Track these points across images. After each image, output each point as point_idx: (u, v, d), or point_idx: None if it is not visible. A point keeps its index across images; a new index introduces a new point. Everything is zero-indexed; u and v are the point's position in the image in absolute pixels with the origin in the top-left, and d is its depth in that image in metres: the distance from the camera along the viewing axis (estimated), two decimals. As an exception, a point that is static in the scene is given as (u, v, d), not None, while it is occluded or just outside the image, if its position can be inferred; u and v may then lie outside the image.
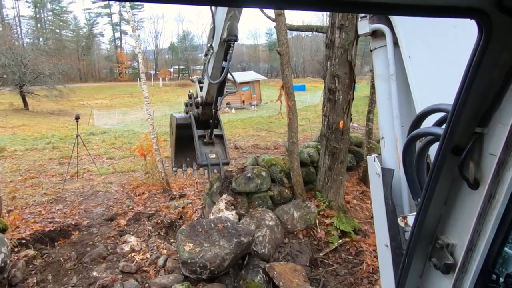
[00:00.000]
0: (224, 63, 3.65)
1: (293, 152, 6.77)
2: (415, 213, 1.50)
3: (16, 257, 5.23)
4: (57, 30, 73.49)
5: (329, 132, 6.91)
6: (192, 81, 4.82)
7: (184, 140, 4.60)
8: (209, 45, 3.96)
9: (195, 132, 4.31)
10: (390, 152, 1.63)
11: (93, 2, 68.42)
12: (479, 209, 1.00)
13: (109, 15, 78.22)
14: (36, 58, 30.80)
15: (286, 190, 6.93)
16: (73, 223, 6.85)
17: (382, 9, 0.83)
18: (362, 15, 1.69)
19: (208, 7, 3.68)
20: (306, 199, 6.67)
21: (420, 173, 1.50)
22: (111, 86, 59.11)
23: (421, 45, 1.49)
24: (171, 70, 75.15)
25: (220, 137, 4.51)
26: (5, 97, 29.06)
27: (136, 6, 70.53)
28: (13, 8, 71.17)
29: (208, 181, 4.68)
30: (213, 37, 3.87)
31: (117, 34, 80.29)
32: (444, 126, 1.32)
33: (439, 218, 1.17)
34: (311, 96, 31.27)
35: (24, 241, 5.80)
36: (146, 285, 4.88)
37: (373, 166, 1.68)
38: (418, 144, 1.42)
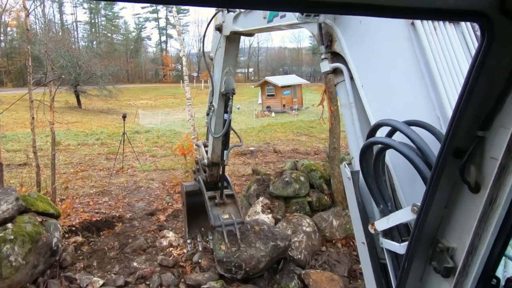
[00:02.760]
0: (225, 115, 3.76)
1: (334, 159, 6.61)
2: (381, 219, 1.61)
3: (66, 243, 5.59)
4: (109, 34, 78.67)
5: (373, 139, 6.68)
6: (197, 145, 4.88)
7: (196, 209, 4.63)
8: (209, 103, 4.09)
9: (205, 194, 4.33)
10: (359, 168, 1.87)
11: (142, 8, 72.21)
12: (480, 213, 1.00)
13: (157, 19, 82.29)
14: (90, 60, 33.14)
15: (326, 197, 6.77)
16: (117, 215, 7.20)
17: (386, 12, 0.83)
18: (323, 56, 1.97)
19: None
20: (346, 208, 6.47)
21: (379, 180, 1.63)
22: (156, 87, 61.92)
23: (370, 76, 1.78)
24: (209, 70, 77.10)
25: (232, 197, 4.50)
26: (61, 95, 31.46)
27: (182, 11, 73.47)
28: (71, 14, 77.40)
29: (225, 244, 4.72)
30: (212, 96, 4.00)
31: (163, 38, 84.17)
32: (393, 137, 1.53)
33: (440, 221, 1.18)
34: (354, 102, 30.45)
35: (73, 229, 6.19)
36: (182, 280, 4.98)
37: (345, 172, 1.88)
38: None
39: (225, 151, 4.00)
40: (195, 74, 67.71)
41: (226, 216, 4.31)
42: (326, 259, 5.54)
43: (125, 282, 4.75)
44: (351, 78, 1.85)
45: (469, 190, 1.05)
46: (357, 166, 1.79)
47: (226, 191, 4.44)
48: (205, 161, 4.41)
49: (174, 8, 10.23)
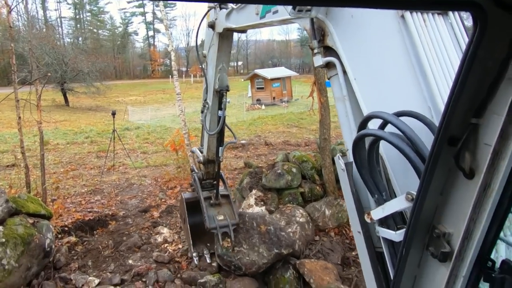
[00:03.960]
0: (219, 112, 3.75)
1: (325, 149, 6.67)
2: (377, 209, 1.65)
3: (60, 243, 5.55)
4: (95, 30, 77.10)
5: (363, 129, 6.74)
6: (192, 151, 4.87)
7: (198, 225, 4.56)
8: (204, 101, 4.06)
9: (201, 194, 4.31)
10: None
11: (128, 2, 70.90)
12: (475, 198, 1.03)
13: (143, 14, 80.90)
14: (76, 57, 32.50)
15: (318, 187, 6.84)
16: (110, 213, 7.16)
17: (379, 2, 0.84)
18: (316, 51, 1.99)
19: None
20: (338, 197, 6.54)
21: (373, 171, 1.67)
22: (144, 83, 61.18)
23: (362, 69, 1.82)
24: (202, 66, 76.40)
25: (227, 197, 4.48)
26: (48, 94, 30.87)
27: (169, 5, 72.33)
28: (55, 10, 75.48)
29: (219, 245, 4.69)
30: (206, 93, 3.97)
31: (151, 33, 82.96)
32: (386, 128, 1.59)
33: (436, 208, 1.20)
34: (343, 93, 30.57)
35: (66, 229, 6.14)
36: (179, 275, 5.00)
37: (339, 163, 1.91)
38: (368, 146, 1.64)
39: (220, 148, 4.00)
40: (184, 69, 67.04)
41: (221, 217, 4.31)
42: (320, 248, 5.63)
43: (121, 280, 4.75)
44: (344, 71, 1.88)
45: (464, 177, 1.07)
46: (351, 158, 1.82)
47: (221, 191, 4.42)
48: (201, 159, 4.39)
49: (161, 2, 10.05)
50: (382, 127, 1.61)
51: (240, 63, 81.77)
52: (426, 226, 1.23)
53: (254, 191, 6.82)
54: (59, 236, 5.80)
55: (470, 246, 1.07)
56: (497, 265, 1.07)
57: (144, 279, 4.80)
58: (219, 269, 4.98)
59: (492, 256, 1.09)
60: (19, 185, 7.37)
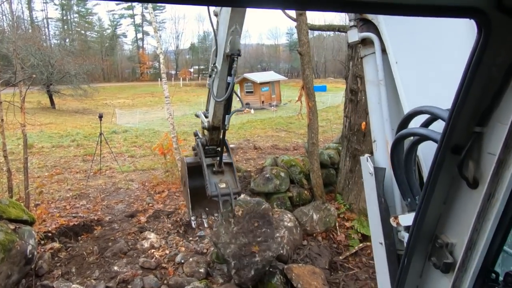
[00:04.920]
0: (229, 78, 3.64)
1: (313, 153, 6.70)
2: (406, 213, 1.54)
3: (42, 250, 5.41)
4: (83, 32, 76.08)
5: (351, 134, 6.80)
6: (197, 115, 4.81)
7: (198, 189, 4.57)
8: (212, 64, 3.94)
9: (204, 161, 4.25)
10: (382, 154, 1.68)
11: (117, 4, 70.40)
12: (479, 208, 1.00)
13: (132, 16, 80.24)
14: (63, 59, 31.97)
15: (306, 192, 6.86)
16: (95, 219, 7.02)
17: (382, 9, 0.83)
18: (352, 24, 1.73)
19: (210, 18, 3.77)
20: (326, 201, 6.58)
21: (409, 173, 1.52)
22: (133, 86, 60.52)
23: (407, 51, 1.56)
24: (192, 70, 76.05)
25: (230, 165, 4.44)
26: (33, 96, 30.23)
27: (158, 8, 71.94)
28: (42, 10, 74.44)
29: (220, 212, 4.66)
30: (216, 56, 3.86)
31: (140, 35, 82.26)
32: (430, 127, 1.38)
33: (439, 217, 1.18)
34: (332, 97, 30.87)
35: (50, 234, 5.99)
36: (165, 281, 4.93)
37: (366, 166, 1.71)
38: (406, 145, 1.47)
39: (227, 116, 3.89)
40: (173, 72, 66.72)
41: (223, 185, 4.24)
42: (308, 252, 5.63)
43: (106, 287, 4.67)
44: (383, 51, 1.61)
45: (467, 186, 1.05)
46: (379, 151, 1.66)
47: (224, 159, 4.36)
48: (205, 124, 4.29)
49: (150, 5, 9.98)
50: (426, 125, 1.38)
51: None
52: (428, 235, 1.20)
53: (242, 196, 6.80)
54: (42, 242, 5.66)
55: (474, 257, 1.04)
56: (501, 277, 1.06)
57: (129, 286, 4.72)
58: (206, 275, 4.94)
59: (496, 268, 1.07)
60: (1, 189, 7.17)
